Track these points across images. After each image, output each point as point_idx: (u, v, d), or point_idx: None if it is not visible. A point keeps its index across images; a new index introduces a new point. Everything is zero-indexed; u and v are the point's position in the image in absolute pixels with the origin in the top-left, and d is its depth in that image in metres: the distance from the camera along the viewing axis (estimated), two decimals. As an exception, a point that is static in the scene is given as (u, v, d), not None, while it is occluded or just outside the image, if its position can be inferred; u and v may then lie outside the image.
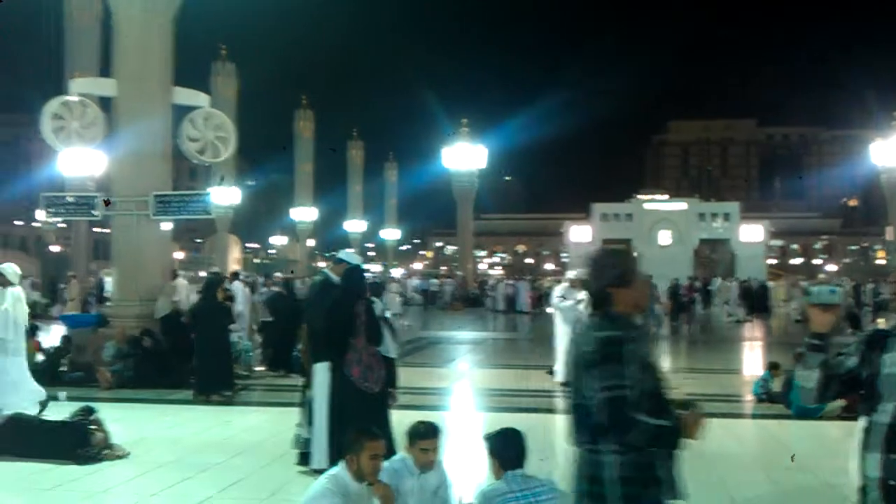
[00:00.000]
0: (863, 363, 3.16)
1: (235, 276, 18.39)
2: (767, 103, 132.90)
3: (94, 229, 43.01)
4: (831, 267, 74.42)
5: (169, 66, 16.18)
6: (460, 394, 14.09)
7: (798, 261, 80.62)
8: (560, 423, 11.85)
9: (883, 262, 71.60)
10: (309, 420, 7.67)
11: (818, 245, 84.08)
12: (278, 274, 34.68)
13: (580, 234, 63.27)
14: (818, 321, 3.22)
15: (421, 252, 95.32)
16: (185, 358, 13.32)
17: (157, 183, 15.65)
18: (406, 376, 14.31)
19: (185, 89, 16.88)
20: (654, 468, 3.34)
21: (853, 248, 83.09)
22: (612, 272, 3.51)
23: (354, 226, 58.09)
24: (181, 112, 16.69)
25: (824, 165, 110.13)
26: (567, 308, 14.50)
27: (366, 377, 7.24)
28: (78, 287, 27.66)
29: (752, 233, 60.58)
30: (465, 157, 50.15)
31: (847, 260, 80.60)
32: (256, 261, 64.49)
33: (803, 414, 10.63)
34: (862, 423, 3.22)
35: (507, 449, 5.14)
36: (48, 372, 14.01)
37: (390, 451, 5.83)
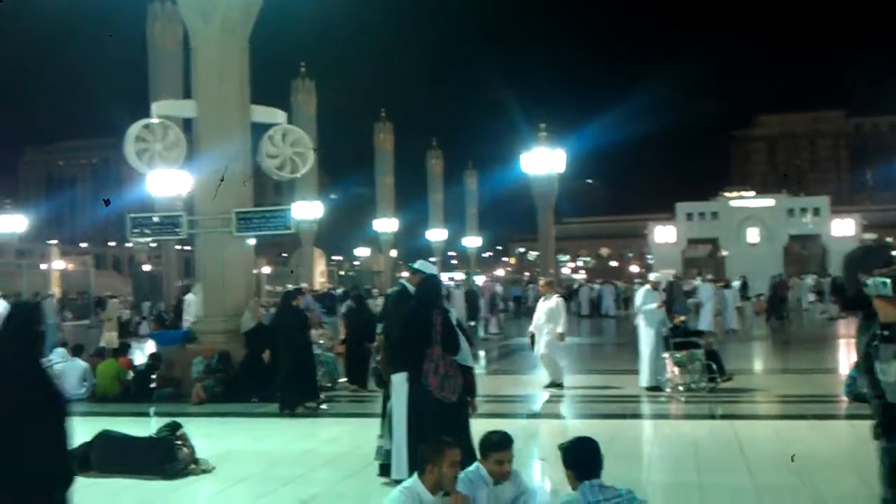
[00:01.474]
0: None
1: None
2: (855, 93, 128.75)
3: (185, 248, 44.18)
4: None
5: (246, 85, 16.46)
6: (545, 401, 13.95)
7: (895, 253, 77.92)
8: (647, 429, 11.67)
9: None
10: (389, 431, 7.68)
11: None
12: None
13: (665, 234, 62.34)
14: (884, 312, 3.07)
15: (503, 258, 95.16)
16: (271, 372, 13.52)
17: (238, 200, 15.93)
18: (490, 384, 14.36)
19: (262, 107, 17.15)
20: None
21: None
22: (873, 270, 3.37)
23: (436, 235, 58.31)
24: (261, 130, 16.97)
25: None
26: (650, 311, 14.27)
27: (443, 387, 7.19)
28: (116, 307, 27.29)
29: (843, 227, 58.76)
30: (544, 161, 49.90)
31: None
32: (341, 273, 65.24)
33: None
34: None
35: (581, 459, 5.00)
36: (138, 388, 14.40)
37: (470, 461, 5.77)
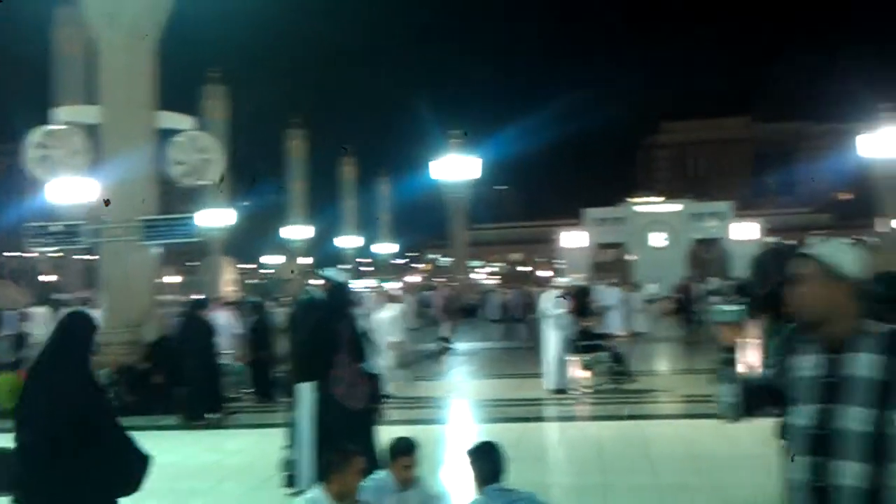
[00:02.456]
0: (781, 370, 3.17)
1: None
2: (759, 100, 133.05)
3: (89, 257, 43.00)
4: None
5: (153, 91, 16.16)
6: (454, 406, 14.04)
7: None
8: (553, 431, 11.86)
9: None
10: (295, 441, 7.63)
11: (813, 240, 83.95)
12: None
13: (574, 239, 63.38)
14: (725, 336, 3.24)
15: (416, 265, 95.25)
16: (175, 383, 13.28)
17: (145, 208, 15.61)
18: (399, 390, 14.38)
19: (170, 113, 16.90)
20: None
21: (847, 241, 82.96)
22: (782, 271, 3.41)
23: (348, 241, 58.03)
24: (170, 137, 16.71)
25: (816, 160, 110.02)
26: (557, 316, 14.49)
27: (350, 394, 7.20)
28: None
29: (745, 230, 60.56)
30: (456, 168, 50.16)
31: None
32: (252, 281, 64.34)
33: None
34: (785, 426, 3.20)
35: (484, 463, 5.08)
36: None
37: (377, 468, 5.79)
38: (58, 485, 4.64)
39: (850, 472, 2.88)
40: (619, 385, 14.07)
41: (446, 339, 26.31)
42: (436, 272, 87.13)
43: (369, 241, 61.88)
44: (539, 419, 12.30)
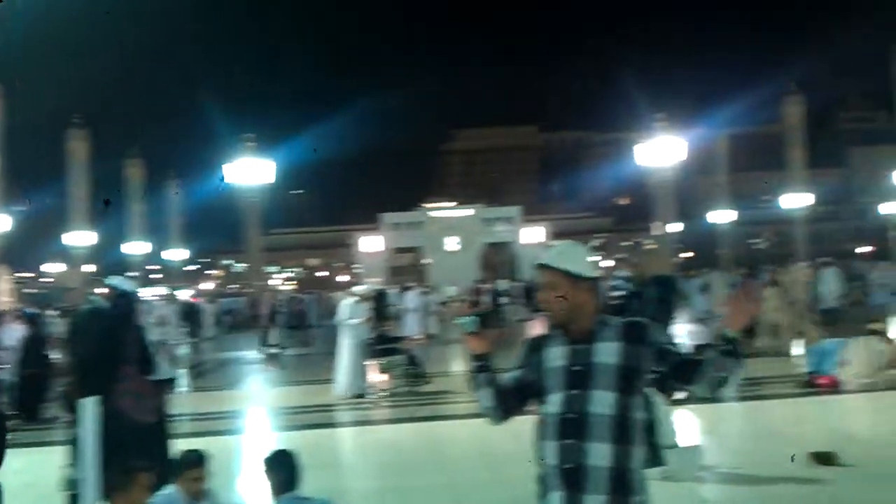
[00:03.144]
0: (530, 368, 3.39)
1: None
2: (546, 110, 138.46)
3: None
4: (607, 262, 78.38)
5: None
6: (249, 415, 13.78)
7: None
8: (351, 436, 11.88)
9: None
10: (78, 459, 7.25)
11: (595, 243, 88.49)
12: None
13: (371, 244, 63.84)
14: (472, 345, 3.44)
15: (209, 271, 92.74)
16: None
17: None
18: (192, 402, 13.97)
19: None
20: None
21: (626, 244, 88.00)
22: None
23: (135, 248, 55.67)
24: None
25: (598, 167, 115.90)
26: (354, 325, 14.52)
27: (138, 407, 6.93)
28: None
29: (533, 234, 63.14)
30: (251, 172, 49.19)
31: (621, 255, 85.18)
32: (30, 291, 60.48)
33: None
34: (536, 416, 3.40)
35: (279, 472, 5.05)
36: None
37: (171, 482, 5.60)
38: None
39: (597, 454, 3.11)
40: (414, 387, 14.27)
41: (274, 346, 25.78)
42: (230, 278, 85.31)
43: (159, 247, 59.64)
44: (336, 425, 12.30)
